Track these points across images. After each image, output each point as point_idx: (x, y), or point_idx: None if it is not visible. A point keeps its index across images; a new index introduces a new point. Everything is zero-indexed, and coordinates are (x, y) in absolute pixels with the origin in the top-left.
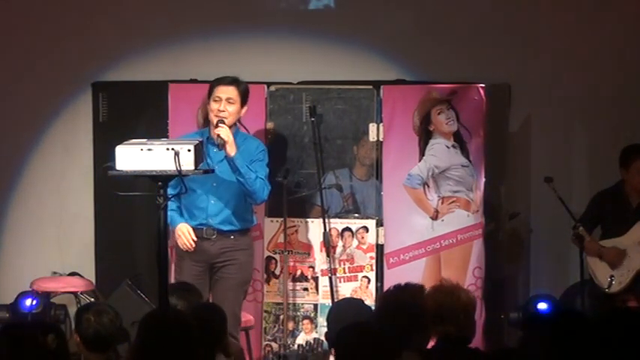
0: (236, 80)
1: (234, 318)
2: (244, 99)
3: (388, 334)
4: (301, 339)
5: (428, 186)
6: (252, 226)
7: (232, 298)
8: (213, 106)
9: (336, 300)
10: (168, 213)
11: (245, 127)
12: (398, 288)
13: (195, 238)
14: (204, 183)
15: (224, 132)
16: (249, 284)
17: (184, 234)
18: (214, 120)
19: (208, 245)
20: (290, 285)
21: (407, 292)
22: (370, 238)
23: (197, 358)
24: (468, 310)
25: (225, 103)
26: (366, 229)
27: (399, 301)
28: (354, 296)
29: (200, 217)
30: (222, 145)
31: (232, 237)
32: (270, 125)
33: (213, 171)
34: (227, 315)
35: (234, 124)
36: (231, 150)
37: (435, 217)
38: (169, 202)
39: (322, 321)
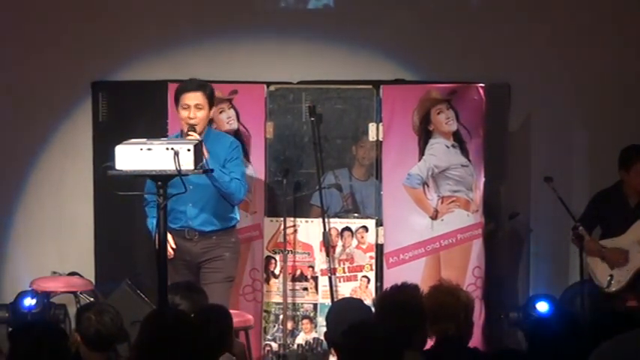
0: (202, 85)
1: None
2: (211, 102)
3: (390, 334)
4: (301, 339)
5: (427, 186)
6: (236, 223)
7: (219, 292)
8: (183, 113)
9: (335, 300)
10: (150, 220)
11: (245, 128)
12: (394, 288)
13: (173, 246)
14: (181, 187)
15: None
16: (234, 281)
17: None
18: (185, 127)
19: (191, 245)
20: (290, 285)
21: (404, 292)
22: (370, 238)
23: (199, 357)
24: (467, 310)
25: (194, 109)
26: (365, 228)
27: (397, 302)
28: (354, 296)
29: (181, 219)
30: None
31: (214, 237)
32: (270, 125)
33: (212, 171)
34: None
35: (206, 125)
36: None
37: (434, 217)
38: (151, 209)
39: (322, 321)
